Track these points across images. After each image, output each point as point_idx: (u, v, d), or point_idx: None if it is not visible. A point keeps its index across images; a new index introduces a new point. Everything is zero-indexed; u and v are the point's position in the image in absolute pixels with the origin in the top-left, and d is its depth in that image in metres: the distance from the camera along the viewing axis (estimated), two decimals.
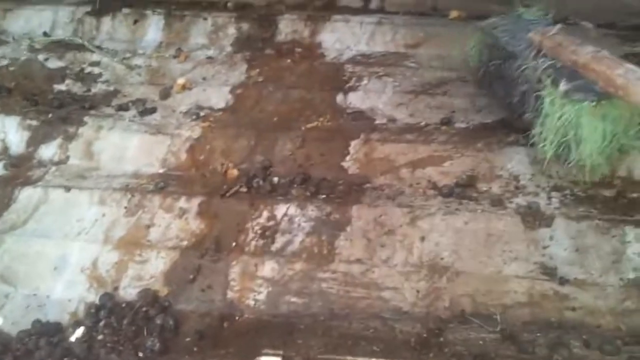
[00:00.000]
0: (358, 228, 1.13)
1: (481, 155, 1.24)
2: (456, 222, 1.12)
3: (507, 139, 1.25)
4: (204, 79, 1.50)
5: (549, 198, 1.15)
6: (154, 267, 1.12)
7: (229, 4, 1.70)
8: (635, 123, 1.07)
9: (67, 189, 1.25)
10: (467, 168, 1.22)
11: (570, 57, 1.09)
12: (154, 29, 1.65)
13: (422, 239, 1.10)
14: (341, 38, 1.58)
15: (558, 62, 1.12)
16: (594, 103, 1.03)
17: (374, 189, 1.20)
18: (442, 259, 1.08)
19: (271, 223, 1.16)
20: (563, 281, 1.04)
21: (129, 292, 1.09)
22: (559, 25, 1.18)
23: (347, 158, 1.27)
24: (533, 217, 1.11)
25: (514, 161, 1.22)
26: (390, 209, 1.14)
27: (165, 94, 1.47)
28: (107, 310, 1.06)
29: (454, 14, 1.61)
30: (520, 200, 1.15)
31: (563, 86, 1.06)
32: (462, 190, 1.17)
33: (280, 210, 1.18)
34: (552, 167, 1.17)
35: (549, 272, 1.05)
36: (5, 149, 1.37)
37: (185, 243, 1.15)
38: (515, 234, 1.10)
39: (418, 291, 1.04)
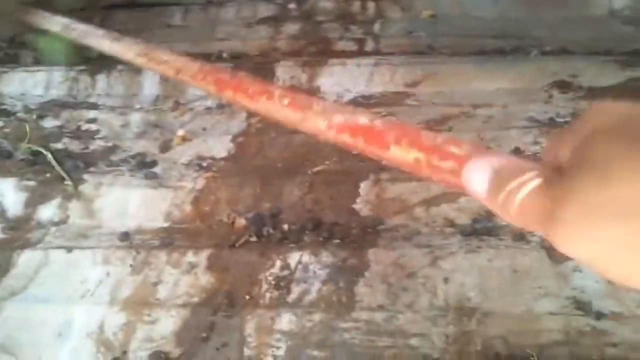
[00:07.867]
0: (377, 272, 1.08)
1: None
2: (479, 260, 1.07)
3: None
4: (204, 129, 1.48)
5: None
6: (164, 327, 1.06)
7: (224, 54, 1.70)
8: None
9: (69, 249, 1.20)
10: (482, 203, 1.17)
11: None
12: (150, 83, 1.64)
13: (446, 280, 1.06)
14: (340, 81, 1.57)
15: None
16: None
17: (388, 230, 1.16)
18: (468, 300, 1.03)
19: (285, 272, 1.11)
20: (599, 315, 0.99)
21: (138, 355, 1.03)
22: None
23: (358, 200, 1.23)
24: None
25: None
26: (408, 251, 1.10)
27: (165, 147, 1.44)
28: None
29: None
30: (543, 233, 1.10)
31: None
32: (481, 227, 1.13)
33: (294, 258, 1.13)
34: None
35: (583, 306, 1.00)
36: (3, 211, 1.32)
37: (195, 299, 1.09)
38: (542, 269, 1.05)
39: (447, 336, 0.99)
